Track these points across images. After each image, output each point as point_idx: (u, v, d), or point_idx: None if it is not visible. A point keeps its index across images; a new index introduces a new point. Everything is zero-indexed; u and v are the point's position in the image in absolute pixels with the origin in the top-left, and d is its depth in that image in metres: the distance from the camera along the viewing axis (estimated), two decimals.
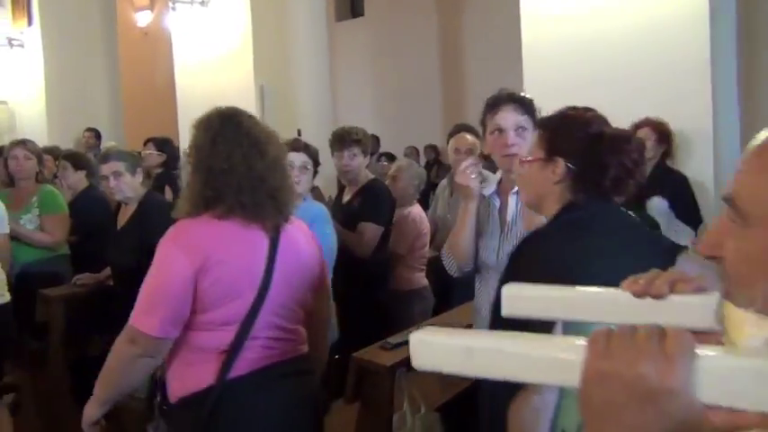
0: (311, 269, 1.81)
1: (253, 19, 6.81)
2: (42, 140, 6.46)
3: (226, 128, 1.66)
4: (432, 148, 9.59)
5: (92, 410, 1.73)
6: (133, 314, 1.62)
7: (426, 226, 3.81)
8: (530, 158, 1.51)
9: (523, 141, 2.01)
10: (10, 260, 3.40)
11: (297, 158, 2.70)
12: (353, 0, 11.71)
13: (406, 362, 2.30)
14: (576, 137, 1.44)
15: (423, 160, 9.17)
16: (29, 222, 3.77)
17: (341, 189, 3.82)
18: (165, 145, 5.10)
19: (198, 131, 1.70)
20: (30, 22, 9.86)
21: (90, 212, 3.96)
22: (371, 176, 3.59)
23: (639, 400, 0.54)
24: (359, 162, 3.47)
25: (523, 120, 2.05)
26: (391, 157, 7.85)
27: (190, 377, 1.67)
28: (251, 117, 1.75)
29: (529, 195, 1.55)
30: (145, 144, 5.16)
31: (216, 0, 7.00)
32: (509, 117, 2.04)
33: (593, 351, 0.57)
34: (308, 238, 1.85)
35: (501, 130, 2.04)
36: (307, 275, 1.79)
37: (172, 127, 7.48)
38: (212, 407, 1.62)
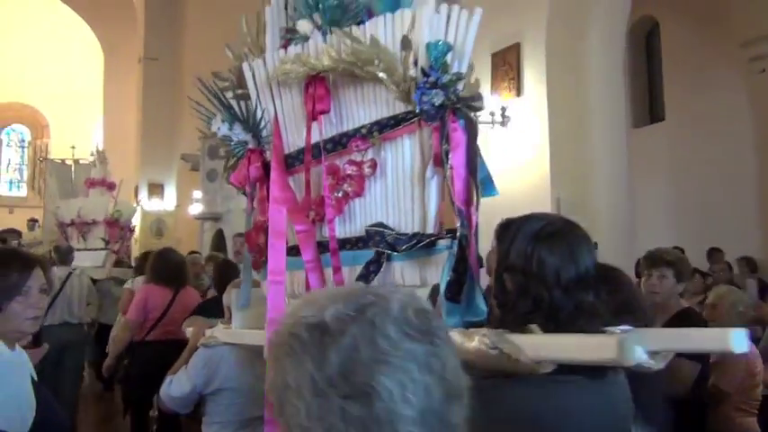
0: None
1: (550, 129, 6.86)
2: None
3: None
4: (746, 261, 8.28)
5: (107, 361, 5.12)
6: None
7: (758, 361, 3.30)
8: None
9: None
10: None
11: None
12: (653, 104, 11.20)
13: None
14: None
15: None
16: None
17: None
18: None
19: None
20: None
21: None
22: (684, 305, 3.27)
23: None
24: (668, 286, 3.16)
25: None
26: (704, 275, 7.06)
27: None
28: None
29: None
30: None
31: (516, 119, 7.22)
32: None
33: None
34: None
35: None
36: None
37: None
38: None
